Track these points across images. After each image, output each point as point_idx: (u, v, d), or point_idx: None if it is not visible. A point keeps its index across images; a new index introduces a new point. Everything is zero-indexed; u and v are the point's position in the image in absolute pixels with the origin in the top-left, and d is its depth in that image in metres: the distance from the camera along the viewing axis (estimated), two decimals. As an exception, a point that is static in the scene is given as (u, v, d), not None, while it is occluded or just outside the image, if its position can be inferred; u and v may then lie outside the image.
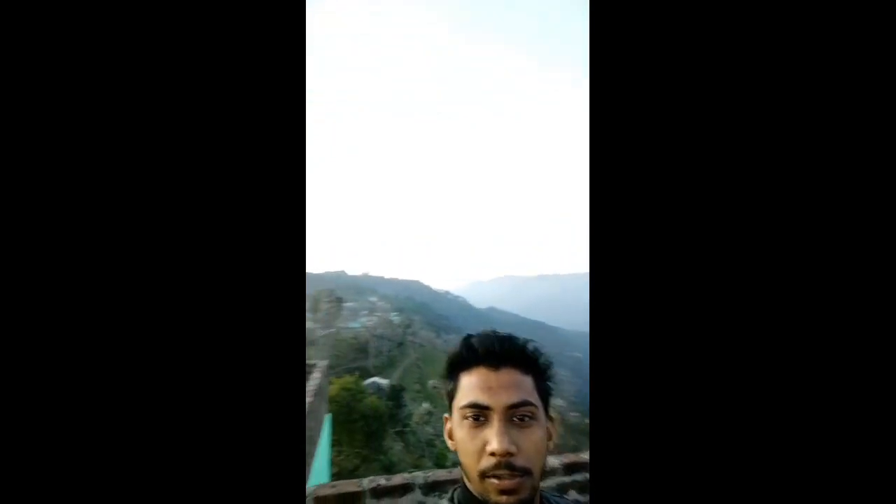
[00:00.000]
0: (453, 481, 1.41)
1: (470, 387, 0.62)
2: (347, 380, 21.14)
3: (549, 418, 0.64)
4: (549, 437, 0.63)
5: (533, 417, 0.60)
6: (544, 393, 0.64)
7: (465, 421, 0.61)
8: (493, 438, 0.57)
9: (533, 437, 0.59)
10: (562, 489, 1.59)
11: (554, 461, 1.65)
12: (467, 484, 0.61)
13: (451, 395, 0.65)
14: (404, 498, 1.45)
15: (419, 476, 1.50)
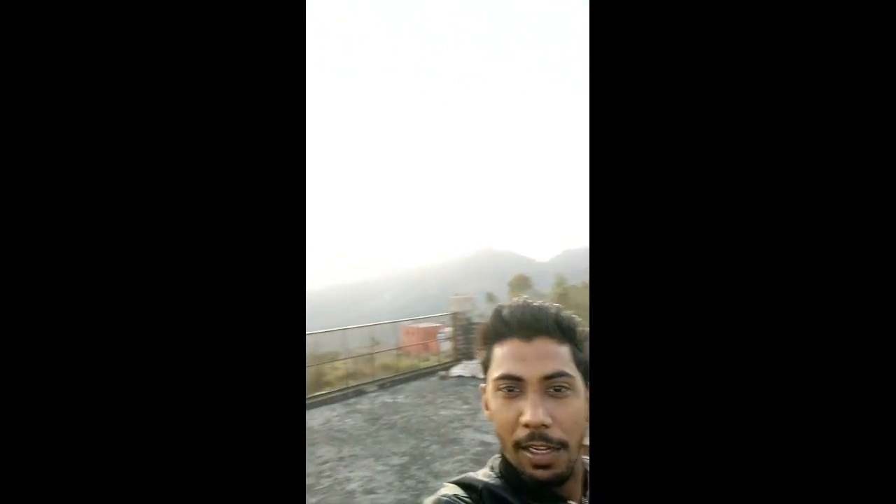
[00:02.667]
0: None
1: (503, 358, 0.60)
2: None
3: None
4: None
5: (570, 388, 0.57)
6: (583, 363, 0.61)
7: (500, 392, 0.59)
8: (527, 410, 0.55)
9: (569, 409, 0.56)
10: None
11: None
12: (505, 455, 0.60)
13: (486, 366, 0.64)
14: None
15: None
